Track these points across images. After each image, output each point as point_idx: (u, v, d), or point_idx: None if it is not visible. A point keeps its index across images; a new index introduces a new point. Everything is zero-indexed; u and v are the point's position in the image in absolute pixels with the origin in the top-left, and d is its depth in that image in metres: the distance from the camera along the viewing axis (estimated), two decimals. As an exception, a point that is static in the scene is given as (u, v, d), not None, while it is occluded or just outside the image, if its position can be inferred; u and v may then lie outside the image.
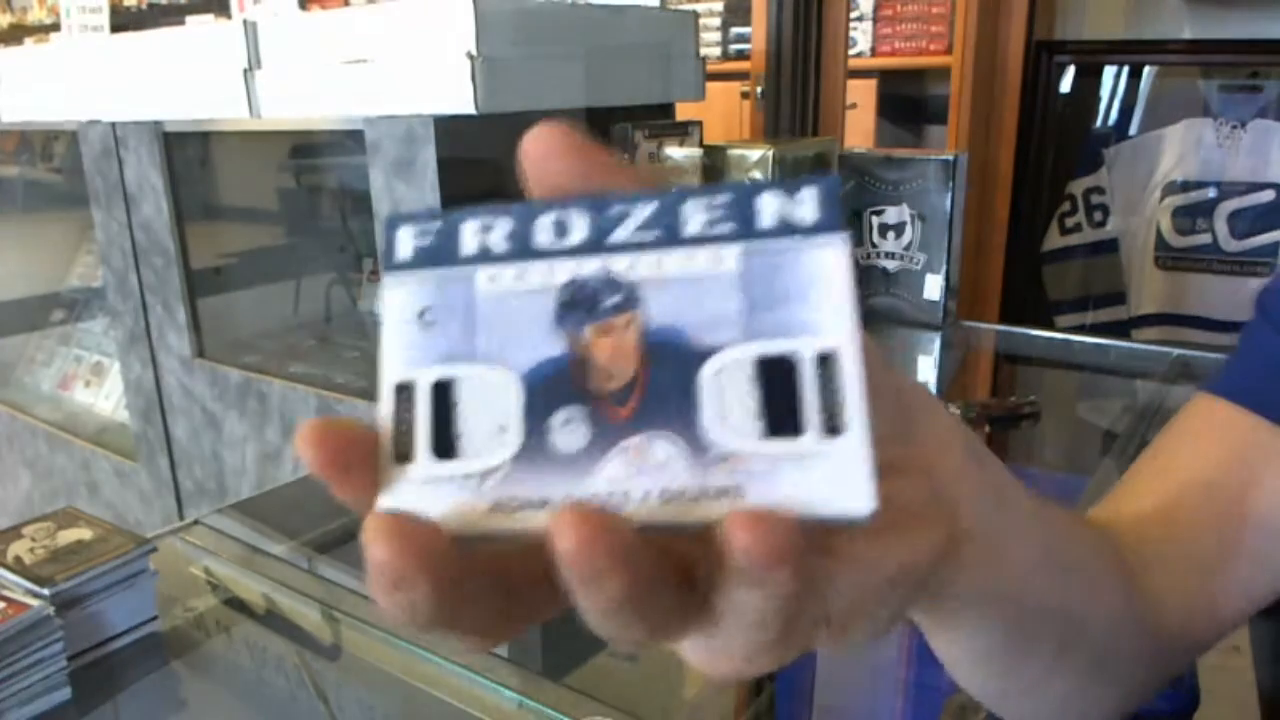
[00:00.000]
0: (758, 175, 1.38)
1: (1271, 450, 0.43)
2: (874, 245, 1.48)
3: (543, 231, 0.22)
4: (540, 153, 0.22)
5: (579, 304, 0.21)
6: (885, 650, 0.79)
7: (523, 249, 0.22)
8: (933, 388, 1.34)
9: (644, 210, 0.21)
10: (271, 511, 1.08)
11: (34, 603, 0.68)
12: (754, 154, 1.38)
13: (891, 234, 1.46)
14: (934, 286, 1.44)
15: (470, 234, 0.22)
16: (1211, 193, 2.05)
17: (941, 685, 0.72)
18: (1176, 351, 1.34)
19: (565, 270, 0.21)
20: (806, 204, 0.21)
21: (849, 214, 1.49)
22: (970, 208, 1.65)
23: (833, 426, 0.19)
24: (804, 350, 0.20)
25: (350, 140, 1.35)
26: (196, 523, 0.96)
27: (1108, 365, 1.42)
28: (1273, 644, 0.77)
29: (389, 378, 0.21)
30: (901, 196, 1.45)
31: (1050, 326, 2.02)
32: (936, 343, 1.45)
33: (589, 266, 0.21)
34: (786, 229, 0.21)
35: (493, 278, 0.21)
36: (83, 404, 2.12)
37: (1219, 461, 0.44)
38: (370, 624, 0.79)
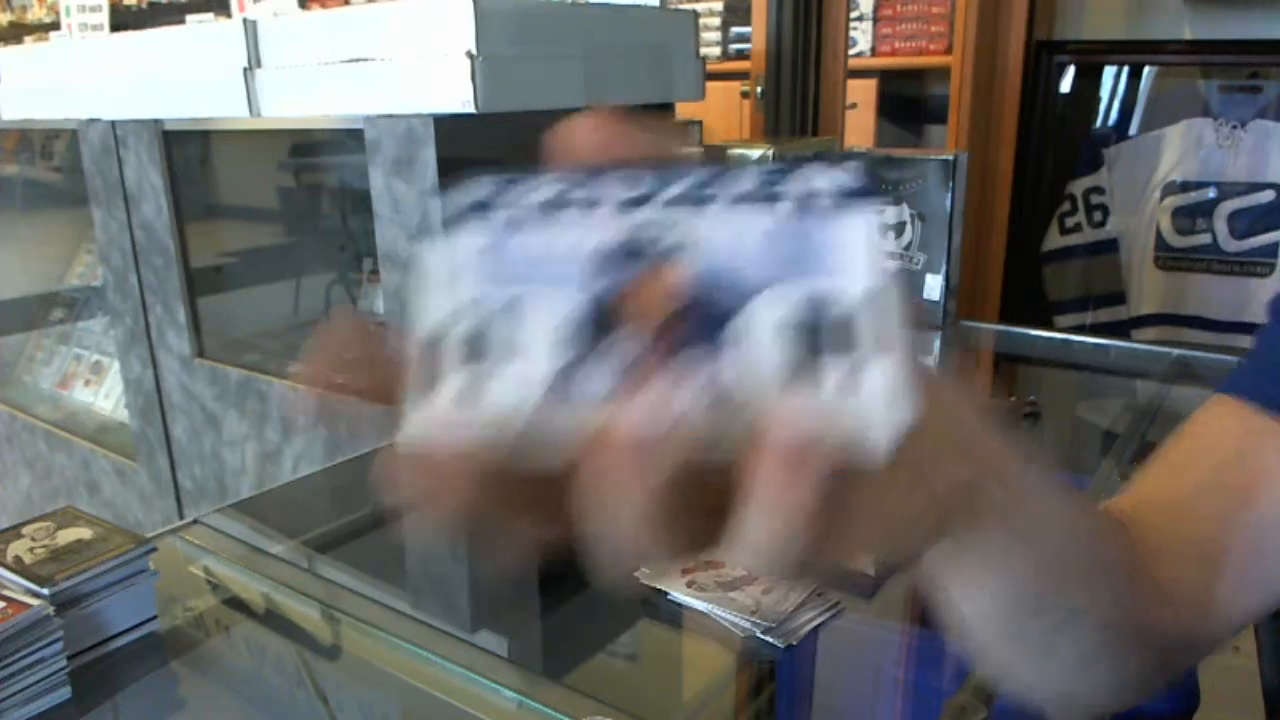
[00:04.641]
0: (758, 175, 1.38)
1: None
2: (874, 245, 1.48)
3: (596, 188, 0.23)
4: (575, 148, 0.23)
5: (626, 250, 0.22)
6: (885, 650, 0.79)
7: (576, 201, 0.23)
8: (933, 388, 1.34)
9: (694, 175, 0.23)
10: (271, 511, 1.08)
11: (34, 602, 0.68)
12: (754, 154, 1.38)
13: (891, 234, 1.46)
14: (934, 286, 1.44)
15: (527, 189, 0.23)
16: (1211, 193, 2.05)
17: (941, 686, 0.72)
18: (1176, 351, 1.34)
19: (614, 221, 0.22)
20: (844, 175, 0.22)
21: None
22: (970, 208, 1.64)
23: (871, 361, 0.20)
24: (846, 288, 0.21)
25: (350, 139, 1.35)
26: (196, 522, 0.96)
27: (1108, 365, 1.42)
28: (1276, 644, 0.77)
29: (432, 305, 0.22)
30: (901, 196, 1.44)
31: (1050, 326, 2.02)
32: (936, 343, 1.45)
33: (638, 217, 0.22)
34: (826, 193, 0.22)
35: (545, 224, 0.22)
36: (82, 403, 2.12)
37: (1228, 459, 0.45)
38: (370, 624, 0.79)
